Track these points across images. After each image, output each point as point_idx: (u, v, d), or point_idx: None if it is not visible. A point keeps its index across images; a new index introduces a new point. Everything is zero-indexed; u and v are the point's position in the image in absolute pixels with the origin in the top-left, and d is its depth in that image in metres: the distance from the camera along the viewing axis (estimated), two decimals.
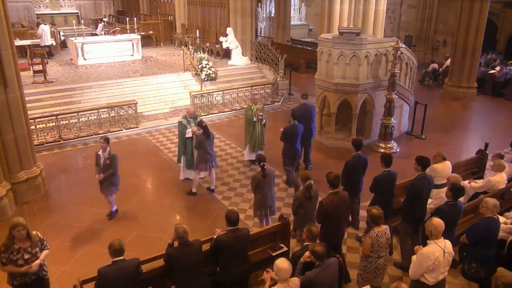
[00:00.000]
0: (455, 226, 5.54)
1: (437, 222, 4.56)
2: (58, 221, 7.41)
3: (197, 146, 8.04)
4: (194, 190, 8.31)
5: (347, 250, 6.65)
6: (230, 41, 16.10)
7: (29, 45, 16.61)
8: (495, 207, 5.17)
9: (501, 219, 5.99)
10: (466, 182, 6.94)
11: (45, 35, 17.16)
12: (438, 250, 4.49)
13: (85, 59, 16.23)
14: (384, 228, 4.96)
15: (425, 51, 21.49)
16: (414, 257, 4.69)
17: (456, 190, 5.45)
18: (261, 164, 6.48)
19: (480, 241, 5.08)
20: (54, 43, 17.48)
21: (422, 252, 4.55)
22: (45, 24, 17.97)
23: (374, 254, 4.94)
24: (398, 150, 10.43)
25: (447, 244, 4.58)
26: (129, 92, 13.27)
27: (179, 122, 8.63)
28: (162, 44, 21.21)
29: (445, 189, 6.23)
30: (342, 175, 6.46)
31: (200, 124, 8.00)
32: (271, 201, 6.64)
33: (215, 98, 13.22)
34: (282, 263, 4.15)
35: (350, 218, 6.72)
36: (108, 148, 7.06)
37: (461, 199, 6.14)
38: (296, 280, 4.22)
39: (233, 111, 13.25)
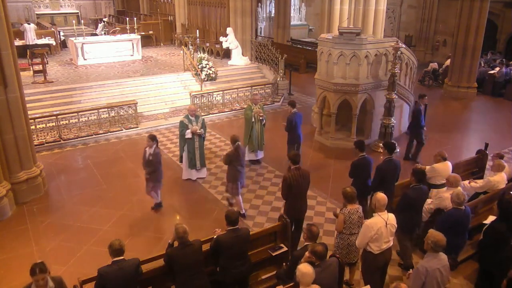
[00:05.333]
0: (421, 209, 5.99)
1: (380, 196, 5.02)
2: (58, 221, 7.41)
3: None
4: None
5: (323, 233, 6.84)
6: (230, 41, 16.10)
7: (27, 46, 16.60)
8: (457, 197, 5.45)
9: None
10: (466, 182, 6.94)
11: (29, 35, 17.03)
12: (380, 221, 4.95)
13: (85, 59, 16.23)
14: (357, 206, 5.38)
15: (425, 51, 21.49)
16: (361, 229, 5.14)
17: (418, 174, 5.87)
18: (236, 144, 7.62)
19: (447, 230, 5.33)
20: (35, 41, 17.20)
21: (366, 224, 5.01)
22: (29, 23, 17.85)
23: (347, 231, 5.33)
24: (398, 150, 10.41)
25: (390, 216, 5.04)
26: (129, 92, 13.28)
27: (180, 122, 8.62)
28: (162, 44, 21.22)
29: (444, 189, 6.26)
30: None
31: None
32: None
33: (215, 98, 13.22)
34: (306, 268, 4.11)
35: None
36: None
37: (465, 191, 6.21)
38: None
39: (233, 111, 13.25)
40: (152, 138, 7.33)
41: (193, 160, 8.62)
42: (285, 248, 5.64)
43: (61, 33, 20.70)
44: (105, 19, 25.32)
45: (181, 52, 15.64)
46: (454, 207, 5.53)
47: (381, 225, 4.93)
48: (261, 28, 23.37)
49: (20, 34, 17.11)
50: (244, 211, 7.61)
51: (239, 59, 16.28)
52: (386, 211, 5.05)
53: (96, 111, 11.22)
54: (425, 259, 4.52)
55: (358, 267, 5.66)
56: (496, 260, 5.11)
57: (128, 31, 17.74)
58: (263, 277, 5.60)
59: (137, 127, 11.71)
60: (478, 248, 5.58)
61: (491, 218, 5.99)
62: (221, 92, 13.35)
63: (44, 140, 10.50)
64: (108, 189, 8.55)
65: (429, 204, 6.21)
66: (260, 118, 9.24)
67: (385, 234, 4.97)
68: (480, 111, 14.10)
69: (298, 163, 6.16)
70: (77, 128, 11.04)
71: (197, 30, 17.34)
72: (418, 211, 5.92)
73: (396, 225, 5.10)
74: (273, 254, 5.54)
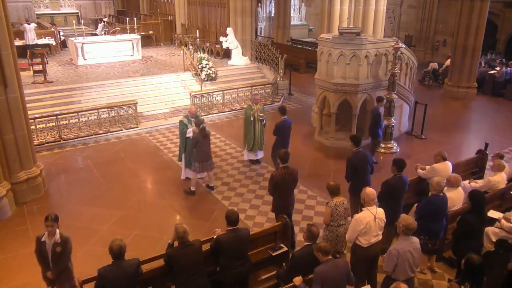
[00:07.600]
0: (402, 197, 6.16)
1: (369, 191, 5.18)
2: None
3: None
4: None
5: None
6: (230, 41, 16.10)
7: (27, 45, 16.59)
8: (438, 185, 5.68)
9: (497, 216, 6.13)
10: (466, 182, 6.94)
11: (29, 35, 16.99)
12: (369, 216, 5.09)
13: (85, 59, 16.23)
14: (342, 199, 5.60)
15: (425, 51, 21.48)
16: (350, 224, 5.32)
17: (397, 163, 6.06)
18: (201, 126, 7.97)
19: (426, 216, 5.65)
20: (35, 41, 17.19)
21: (355, 217, 5.16)
22: (29, 23, 17.78)
23: (334, 223, 5.56)
24: (398, 150, 10.43)
25: (378, 211, 5.17)
26: (129, 92, 13.28)
27: (180, 121, 8.65)
28: (162, 44, 21.22)
29: (445, 189, 6.25)
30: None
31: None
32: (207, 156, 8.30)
33: (215, 98, 13.22)
34: None
35: None
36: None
37: (458, 192, 6.14)
38: None
39: (233, 111, 13.25)
40: (55, 219, 4.96)
41: (191, 159, 8.60)
42: (285, 248, 5.64)
43: (61, 33, 20.71)
44: (105, 19, 25.32)
45: (181, 52, 15.64)
46: (434, 194, 5.70)
47: (370, 219, 5.06)
48: (261, 28, 23.37)
49: (20, 34, 17.08)
50: (194, 188, 8.34)
51: (239, 59, 16.28)
52: (375, 205, 5.17)
53: (96, 111, 11.22)
54: (397, 242, 4.79)
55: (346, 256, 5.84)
56: (467, 248, 5.28)
57: (128, 31, 17.74)
58: (263, 277, 5.60)
59: (137, 127, 11.71)
60: (452, 237, 5.81)
61: (492, 213, 6.05)
62: (221, 92, 13.36)
63: (44, 140, 10.50)
64: (108, 189, 8.55)
65: None
66: (260, 118, 9.24)
67: (373, 228, 5.10)
68: (480, 111, 14.10)
69: (288, 161, 6.27)
70: (77, 128, 11.04)
71: (197, 30, 17.36)
72: (399, 200, 6.06)
73: (385, 220, 5.20)
74: (273, 254, 5.55)
